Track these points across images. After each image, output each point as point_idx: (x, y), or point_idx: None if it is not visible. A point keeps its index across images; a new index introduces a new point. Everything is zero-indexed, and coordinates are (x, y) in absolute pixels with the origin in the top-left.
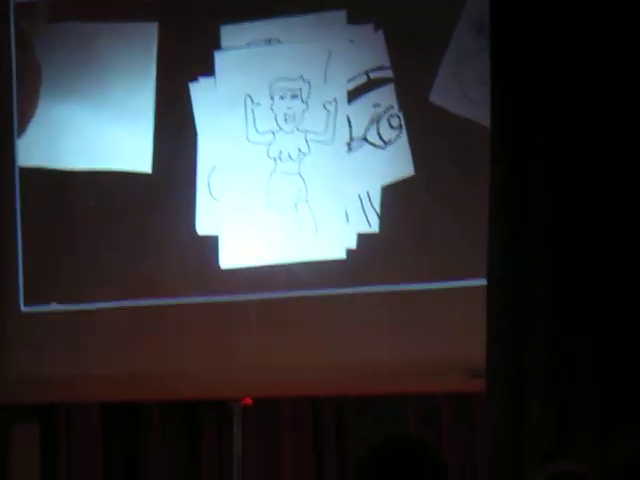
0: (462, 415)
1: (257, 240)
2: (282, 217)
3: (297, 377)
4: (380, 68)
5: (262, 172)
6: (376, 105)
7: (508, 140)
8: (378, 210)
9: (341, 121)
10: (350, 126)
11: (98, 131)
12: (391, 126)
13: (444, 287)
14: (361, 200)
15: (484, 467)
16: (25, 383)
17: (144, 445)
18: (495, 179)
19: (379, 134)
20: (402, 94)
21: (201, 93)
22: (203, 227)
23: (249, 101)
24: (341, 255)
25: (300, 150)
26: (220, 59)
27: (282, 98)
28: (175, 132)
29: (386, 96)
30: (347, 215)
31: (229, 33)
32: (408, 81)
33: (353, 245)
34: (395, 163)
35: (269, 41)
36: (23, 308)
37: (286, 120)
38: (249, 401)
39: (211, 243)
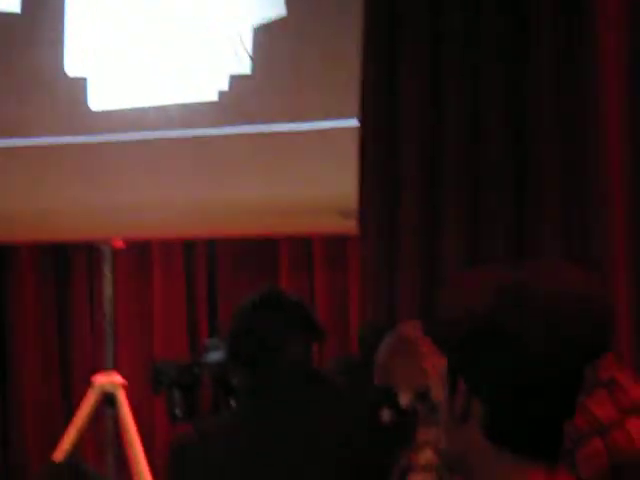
0: (335, 256)
1: (128, 82)
2: (153, 59)
3: (169, 218)
4: None
5: (133, 13)
6: None
7: None
8: (250, 51)
9: None
10: None
11: None
12: None
13: (316, 128)
14: (233, 41)
15: (355, 307)
16: None
17: (13, 287)
18: (367, 19)
19: None
20: None
21: None
22: (72, 68)
23: None
24: (213, 97)
25: None
26: None
27: None
28: None
29: None
30: (219, 56)
31: None
32: None
33: (225, 87)
34: (267, 4)
35: None
36: None
37: None
38: (120, 243)
39: (81, 84)
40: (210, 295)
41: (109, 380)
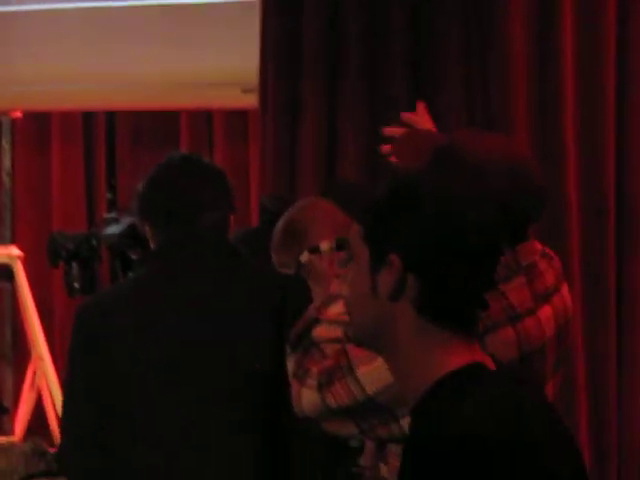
0: (235, 131)
1: None
2: None
3: (69, 89)
4: None
5: None
6: None
7: None
8: None
9: None
10: None
11: None
12: None
13: (219, 0)
14: None
15: (255, 182)
16: None
17: None
18: None
19: None
20: None
21: None
22: None
23: None
24: None
25: None
26: None
27: None
28: None
29: None
30: None
31: None
32: None
33: None
34: None
35: None
36: None
37: None
38: (19, 114)
39: None
40: (109, 168)
41: (6, 252)
